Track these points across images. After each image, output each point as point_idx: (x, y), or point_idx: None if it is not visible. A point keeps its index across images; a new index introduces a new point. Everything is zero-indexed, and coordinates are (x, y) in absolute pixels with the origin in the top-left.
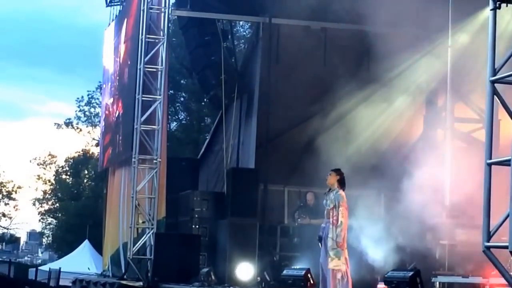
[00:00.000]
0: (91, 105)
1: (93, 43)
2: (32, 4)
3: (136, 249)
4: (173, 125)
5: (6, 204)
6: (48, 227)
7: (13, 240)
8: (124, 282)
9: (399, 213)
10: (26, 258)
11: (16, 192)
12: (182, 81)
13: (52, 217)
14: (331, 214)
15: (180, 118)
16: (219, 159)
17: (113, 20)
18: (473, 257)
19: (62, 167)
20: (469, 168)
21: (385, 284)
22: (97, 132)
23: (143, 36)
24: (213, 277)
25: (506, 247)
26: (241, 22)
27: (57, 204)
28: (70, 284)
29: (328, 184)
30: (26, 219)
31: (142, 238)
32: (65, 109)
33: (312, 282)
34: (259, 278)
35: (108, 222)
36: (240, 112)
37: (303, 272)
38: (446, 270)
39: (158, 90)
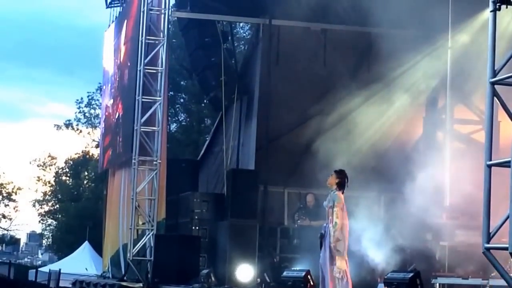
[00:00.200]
0: (91, 106)
1: (93, 45)
2: (32, 5)
3: (136, 250)
4: (173, 126)
5: (6, 205)
6: (48, 228)
7: (13, 242)
8: (124, 283)
9: (399, 215)
10: (26, 259)
11: (16, 194)
12: (182, 83)
13: (52, 219)
14: (328, 213)
15: (180, 120)
16: (219, 160)
17: (113, 21)
18: (473, 259)
19: (62, 168)
20: (469, 170)
21: (385, 285)
22: (97, 134)
23: (143, 38)
24: (213, 278)
25: (506, 249)
26: (241, 24)
27: (57, 206)
28: (70, 286)
29: (327, 185)
30: (26, 220)
31: (142, 240)
32: (65, 110)
33: (312, 283)
34: (259, 280)
35: (108, 224)
36: (240, 114)
37: (303, 274)
38: (446, 271)
39: (158, 92)
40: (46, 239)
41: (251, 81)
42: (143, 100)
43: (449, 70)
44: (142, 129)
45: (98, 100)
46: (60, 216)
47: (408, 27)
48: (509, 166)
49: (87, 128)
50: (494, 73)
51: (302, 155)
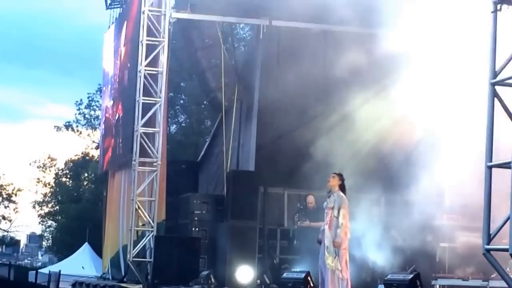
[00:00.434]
0: (91, 107)
1: (93, 46)
2: (32, 6)
3: (136, 251)
4: (173, 127)
5: (6, 207)
6: (48, 229)
7: (13, 243)
8: (124, 284)
9: (399, 216)
10: (26, 260)
11: (16, 195)
12: (182, 84)
13: (52, 220)
14: (328, 214)
15: (180, 121)
16: (219, 161)
17: (113, 22)
18: (473, 260)
19: (62, 170)
20: (469, 171)
21: (385, 286)
22: (97, 135)
23: (143, 39)
24: (213, 280)
25: (506, 250)
26: (241, 25)
27: (57, 207)
28: (70, 287)
29: (329, 186)
30: (26, 222)
31: (142, 241)
32: (65, 111)
33: (312, 285)
34: (259, 281)
35: (108, 225)
36: (240, 115)
37: (303, 275)
38: (446, 273)
39: (158, 93)
40: (46, 241)
41: (251, 82)
42: (143, 101)
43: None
44: (142, 131)
45: (98, 101)
46: (60, 217)
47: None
48: (509, 167)
49: (87, 129)
50: (495, 74)
51: (302, 157)
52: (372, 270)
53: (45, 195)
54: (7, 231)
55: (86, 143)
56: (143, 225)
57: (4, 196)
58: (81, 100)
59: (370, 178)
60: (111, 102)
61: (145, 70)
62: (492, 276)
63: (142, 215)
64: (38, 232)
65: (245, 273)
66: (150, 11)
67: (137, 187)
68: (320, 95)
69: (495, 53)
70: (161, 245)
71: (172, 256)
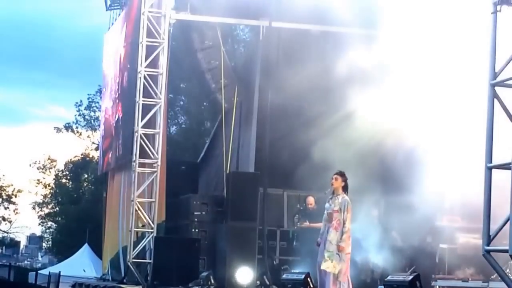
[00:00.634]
0: (91, 109)
1: (93, 47)
2: (32, 7)
3: (136, 252)
4: (173, 129)
5: (6, 208)
6: (48, 231)
7: (13, 244)
8: (123, 286)
9: (399, 217)
10: (26, 262)
11: (16, 196)
12: (182, 85)
13: (52, 221)
14: (334, 216)
15: (180, 122)
16: (219, 163)
17: (113, 24)
18: (473, 261)
19: (62, 171)
20: (469, 172)
21: (385, 287)
22: (97, 136)
23: (143, 40)
24: (212, 281)
25: (506, 251)
26: (241, 26)
27: (57, 208)
28: None
29: (333, 188)
30: (26, 223)
31: (142, 242)
32: (65, 113)
33: (311, 286)
34: (258, 282)
35: (108, 226)
36: (240, 116)
37: (303, 276)
38: (446, 274)
39: (158, 94)
40: (46, 242)
41: (251, 83)
42: (143, 102)
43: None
44: (142, 132)
45: (98, 102)
46: (60, 218)
47: (407, 29)
48: (509, 169)
49: (87, 130)
50: (495, 75)
51: (301, 158)
52: (372, 271)
53: (45, 196)
54: (7, 232)
55: (86, 144)
56: (143, 226)
57: (4, 197)
58: (81, 101)
59: (370, 179)
60: (111, 103)
61: (145, 71)
62: (492, 277)
63: (142, 216)
64: (38, 233)
65: (245, 274)
66: (150, 12)
67: (137, 188)
68: (320, 96)
69: (495, 54)
70: (161, 246)
71: (172, 257)
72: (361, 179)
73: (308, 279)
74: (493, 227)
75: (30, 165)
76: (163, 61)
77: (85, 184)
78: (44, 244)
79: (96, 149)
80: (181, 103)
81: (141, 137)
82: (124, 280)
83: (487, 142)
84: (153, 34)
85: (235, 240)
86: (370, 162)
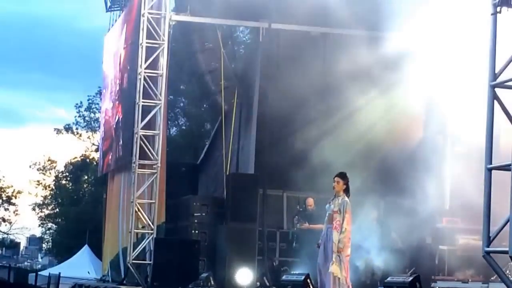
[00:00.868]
0: (91, 110)
1: (93, 48)
2: (32, 8)
3: (136, 254)
4: (173, 130)
5: (6, 209)
6: (48, 232)
7: (13, 245)
8: (123, 287)
9: (399, 218)
10: (26, 263)
11: (16, 197)
12: (182, 87)
13: (52, 222)
14: (334, 218)
15: (180, 124)
16: (219, 164)
17: (113, 25)
18: (473, 262)
19: (62, 172)
20: (469, 173)
21: None
22: (97, 137)
23: (143, 41)
24: (212, 282)
25: (506, 252)
26: (241, 28)
27: (57, 209)
28: None
29: (335, 192)
30: (26, 224)
31: (142, 243)
32: (65, 114)
33: (311, 287)
34: (258, 283)
35: (108, 227)
36: (239, 118)
37: (303, 277)
38: (446, 275)
39: (158, 95)
40: (46, 243)
41: (251, 85)
42: (143, 104)
43: (448, 74)
44: (141, 133)
45: (98, 104)
46: (59, 220)
47: (407, 30)
48: (509, 170)
49: (87, 132)
50: (495, 76)
51: (301, 159)
52: (372, 272)
53: (45, 198)
54: (7, 234)
55: (86, 145)
56: (143, 227)
57: (4, 198)
58: (81, 102)
59: (370, 180)
60: (111, 104)
61: (145, 72)
62: (492, 278)
63: (142, 217)
64: (38, 234)
65: (244, 275)
66: (150, 13)
67: (137, 190)
68: (320, 97)
69: (494, 56)
70: (161, 247)
71: (171, 259)
72: (360, 180)
73: (308, 280)
74: (493, 228)
75: (30, 167)
76: (163, 62)
77: (85, 186)
78: (44, 245)
79: (96, 150)
80: (181, 104)
81: (141, 139)
82: (124, 282)
83: (487, 143)
84: (153, 36)
85: (235, 242)
86: (370, 164)
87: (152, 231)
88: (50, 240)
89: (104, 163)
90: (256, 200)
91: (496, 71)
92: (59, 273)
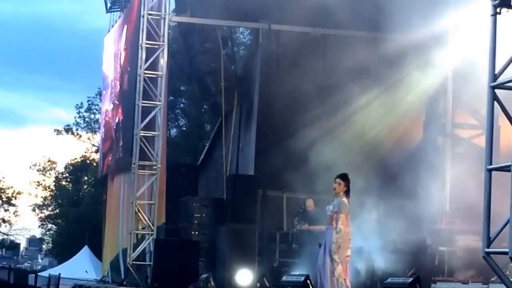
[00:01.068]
0: (91, 111)
1: (93, 49)
2: (32, 9)
3: (136, 255)
4: (173, 131)
5: (6, 210)
6: (48, 233)
7: (13, 246)
8: None
9: (399, 219)
10: (26, 264)
11: (16, 198)
12: (182, 88)
13: (52, 223)
14: (333, 218)
15: (180, 125)
16: (219, 165)
17: (113, 26)
18: (473, 263)
19: (62, 173)
20: (469, 174)
21: None
22: (97, 138)
23: (143, 42)
24: (212, 283)
25: (506, 253)
26: (241, 29)
27: (57, 210)
28: None
29: (335, 193)
30: (26, 225)
31: (142, 244)
32: (65, 115)
33: None
34: (258, 284)
35: (108, 228)
36: (239, 119)
37: (303, 279)
38: (446, 276)
39: (158, 96)
40: (46, 244)
41: (251, 86)
42: (143, 105)
43: (449, 74)
44: (142, 134)
45: (98, 105)
46: (60, 220)
47: (408, 31)
48: (509, 171)
49: (87, 133)
50: (495, 77)
51: (301, 160)
52: (372, 273)
53: (45, 199)
54: (7, 234)
55: (86, 146)
56: (143, 228)
57: (4, 199)
58: (81, 103)
59: (370, 181)
60: (111, 105)
61: (145, 73)
62: (491, 279)
63: (142, 218)
64: (38, 235)
65: (244, 276)
66: (150, 14)
67: (137, 191)
68: (319, 98)
69: (494, 56)
70: (161, 248)
71: (171, 260)
72: (360, 181)
73: (308, 281)
74: (493, 229)
75: (30, 167)
76: (163, 63)
77: (85, 187)
78: (44, 246)
79: (96, 151)
80: (181, 105)
81: (141, 140)
82: (124, 282)
83: (487, 144)
84: (153, 37)
85: (235, 242)
86: (369, 164)
87: (152, 232)
88: (50, 241)
89: (104, 164)
90: (256, 201)
91: (496, 72)
92: (59, 274)
